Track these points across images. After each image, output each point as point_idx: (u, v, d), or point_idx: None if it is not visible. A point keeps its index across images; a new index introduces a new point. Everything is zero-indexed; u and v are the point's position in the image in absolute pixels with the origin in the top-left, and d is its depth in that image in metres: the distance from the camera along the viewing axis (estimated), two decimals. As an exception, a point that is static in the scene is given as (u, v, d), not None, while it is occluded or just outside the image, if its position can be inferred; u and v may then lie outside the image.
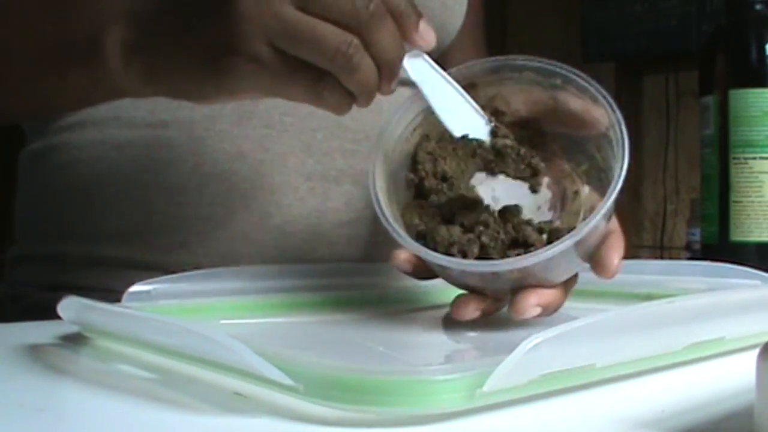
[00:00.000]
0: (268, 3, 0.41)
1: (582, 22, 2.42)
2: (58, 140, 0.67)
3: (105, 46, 0.49)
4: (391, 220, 0.45)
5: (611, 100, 0.45)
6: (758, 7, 0.70)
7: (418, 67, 0.46)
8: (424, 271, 0.48)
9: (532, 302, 0.44)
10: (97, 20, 0.50)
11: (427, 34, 0.44)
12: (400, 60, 0.44)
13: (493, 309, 0.47)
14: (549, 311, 0.46)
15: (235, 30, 0.41)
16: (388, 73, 0.44)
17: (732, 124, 0.69)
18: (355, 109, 0.64)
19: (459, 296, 0.47)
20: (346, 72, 0.42)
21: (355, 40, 0.41)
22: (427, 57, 0.46)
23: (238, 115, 0.62)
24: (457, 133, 0.47)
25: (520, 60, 0.48)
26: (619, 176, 0.43)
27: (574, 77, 0.47)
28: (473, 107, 0.48)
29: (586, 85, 0.46)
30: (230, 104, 0.62)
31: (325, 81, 0.43)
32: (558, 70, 0.47)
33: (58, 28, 0.53)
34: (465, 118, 0.47)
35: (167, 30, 0.46)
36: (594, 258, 0.45)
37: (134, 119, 0.63)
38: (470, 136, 0.47)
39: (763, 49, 0.69)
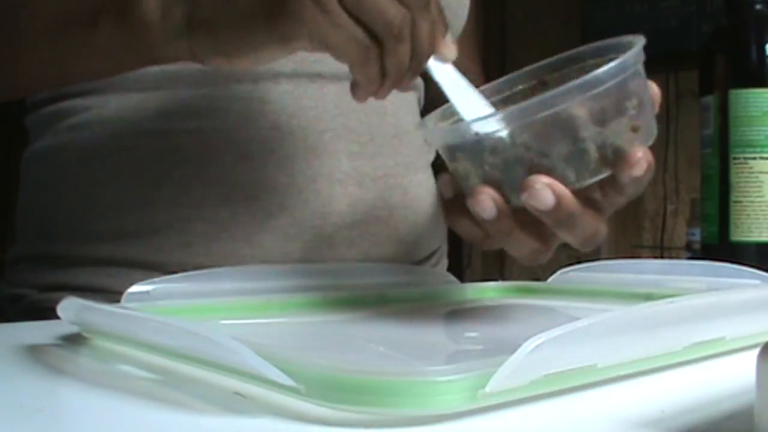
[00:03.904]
0: None
1: (582, 22, 2.42)
2: (61, 141, 0.67)
3: None
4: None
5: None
6: (758, 7, 0.70)
7: (441, 69, 0.48)
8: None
9: (543, 180, 0.43)
10: None
11: (451, 46, 0.48)
12: (430, 55, 0.47)
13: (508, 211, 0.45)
14: (563, 211, 0.43)
15: None
16: (417, 64, 0.47)
17: (732, 124, 0.69)
18: (361, 112, 0.65)
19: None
20: (394, 42, 0.45)
21: (408, 15, 0.44)
22: (449, 64, 0.49)
23: (245, 116, 0.62)
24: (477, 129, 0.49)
25: (575, 52, 0.51)
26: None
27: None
28: (487, 107, 0.49)
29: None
30: (237, 105, 0.62)
31: (373, 49, 0.45)
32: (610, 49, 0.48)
33: None
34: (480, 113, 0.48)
35: None
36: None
37: (141, 123, 0.63)
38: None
39: (763, 49, 0.69)
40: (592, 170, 0.45)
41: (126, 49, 0.53)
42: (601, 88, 0.42)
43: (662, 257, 2.26)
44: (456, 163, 0.47)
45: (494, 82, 0.53)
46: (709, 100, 0.71)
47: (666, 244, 2.38)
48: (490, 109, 0.49)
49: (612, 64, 0.42)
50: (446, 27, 0.48)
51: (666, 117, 2.36)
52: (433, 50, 0.47)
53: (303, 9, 0.44)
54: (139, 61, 0.55)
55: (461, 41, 0.78)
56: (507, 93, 0.53)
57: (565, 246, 0.49)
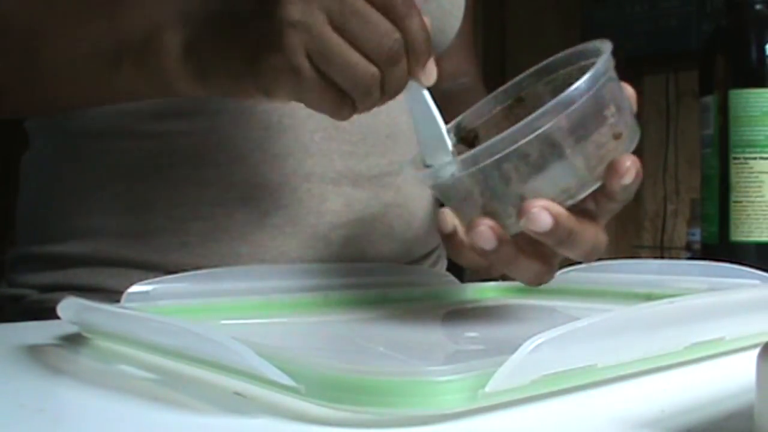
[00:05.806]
0: (309, 23, 0.45)
1: (582, 22, 2.42)
2: (59, 143, 0.67)
3: (163, 45, 0.51)
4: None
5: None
6: (758, 7, 0.70)
7: (414, 96, 0.49)
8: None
9: (540, 203, 0.43)
10: (153, 20, 0.53)
11: (431, 73, 0.48)
12: (400, 91, 0.48)
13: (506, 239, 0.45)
14: (562, 230, 0.44)
15: (278, 41, 0.46)
16: (388, 100, 0.49)
17: (732, 124, 0.69)
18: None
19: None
20: (364, 96, 0.47)
21: (377, 72, 0.46)
22: (426, 93, 0.49)
23: (238, 117, 0.62)
24: (428, 162, 0.49)
25: (546, 64, 0.51)
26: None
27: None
28: (447, 146, 0.49)
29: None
30: (230, 106, 0.62)
31: (345, 99, 0.47)
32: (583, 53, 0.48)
33: (111, 27, 0.55)
34: (437, 153, 0.49)
35: (219, 30, 0.50)
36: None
37: (136, 126, 0.63)
38: (434, 169, 0.48)
39: (763, 49, 0.69)
40: (583, 185, 0.45)
41: (148, 87, 0.55)
42: (577, 104, 0.42)
43: (662, 257, 2.26)
44: (449, 200, 0.48)
45: (473, 107, 0.53)
46: (709, 100, 0.71)
47: (666, 244, 2.38)
48: (445, 148, 0.48)
49: (583, 78, 0.42)
50: (429, 53, 0.48)
51: (666, 117, 2.36)
52: (404, 87, 0.48)
53: (278, 72, 0.47)
54: (160, 95, 0.57)
55: (457, 42, 0.78)
56: (487, 116, 0.53)
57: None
